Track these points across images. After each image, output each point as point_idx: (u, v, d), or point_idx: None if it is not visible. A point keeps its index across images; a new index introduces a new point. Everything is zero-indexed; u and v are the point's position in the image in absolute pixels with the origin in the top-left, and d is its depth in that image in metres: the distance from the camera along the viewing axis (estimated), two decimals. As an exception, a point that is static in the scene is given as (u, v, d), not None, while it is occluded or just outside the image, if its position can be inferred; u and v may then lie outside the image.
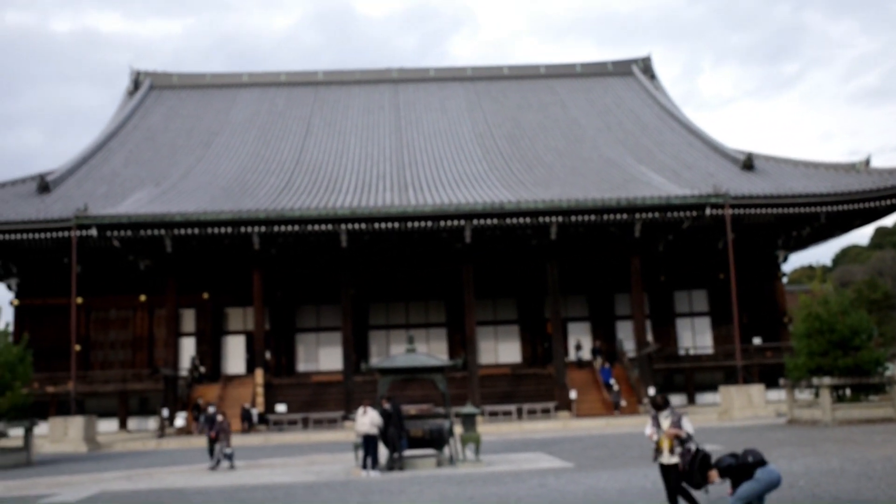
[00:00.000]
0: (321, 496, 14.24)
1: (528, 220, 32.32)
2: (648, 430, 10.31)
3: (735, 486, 8.68)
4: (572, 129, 46.60)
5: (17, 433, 25.87)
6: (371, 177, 38.46)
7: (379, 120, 47.90)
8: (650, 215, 32.64)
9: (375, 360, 29.23)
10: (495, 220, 32.27)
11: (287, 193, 35.89)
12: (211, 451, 20.19)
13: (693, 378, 40.07)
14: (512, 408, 33.96)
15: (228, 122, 48.40)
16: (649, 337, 37.57)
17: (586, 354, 39.13)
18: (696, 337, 42.12)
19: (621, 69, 55.29)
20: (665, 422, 10.08)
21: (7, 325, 26.55)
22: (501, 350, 41.03)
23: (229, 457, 19.63)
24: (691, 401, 39.61)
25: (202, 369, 33.98)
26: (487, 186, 36.02)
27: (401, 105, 50.25)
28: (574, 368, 37.36)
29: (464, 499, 13.10)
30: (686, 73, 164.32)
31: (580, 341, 39.87)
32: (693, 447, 9.87)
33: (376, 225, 32.14)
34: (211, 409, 22.00)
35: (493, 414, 33.43)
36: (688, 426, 9.90)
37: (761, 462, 8.71)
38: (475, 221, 32.24)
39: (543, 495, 13.04)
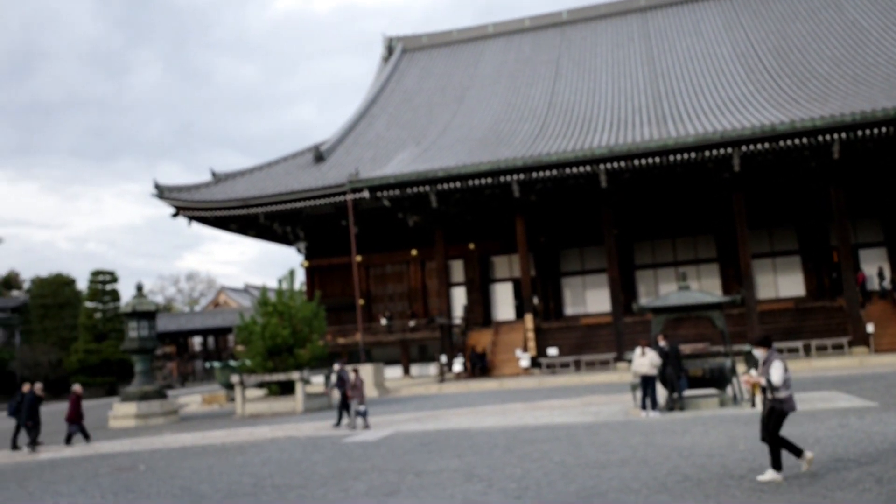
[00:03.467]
0: (602, 436, 14.11)
1: (804, 140, 29.46)
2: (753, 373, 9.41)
3: None
4: (850, 32, 41.52)
5: (317, 380, 28.69)
6: (626, 112, 37.17)
7: (629, 53, 46.04)
8: (957, 121, 28.31)
9: (645, 300, 28.44)
10: (766, 145, 29.79)
11: (542, 138, 35.79)
12: (344, 409, 19.65)
13: None
14: (798, 344, 31.57)
15: (478, 74, 49.17)
16: (961, 260, 32.93)
17: (889, 283, 35.15)
18: None
19: (908, -45, 48.18)
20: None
21: (301, 284, 29.28)
22: (781, 283, 38.15)
23: (362, 414, 18.73)
24: None
25: (411, 321, 34.32)
26: (754, 109, 33.30)
27: (652, 34, 47.86)
28: (875, 299, 33.93)
29: (753, 439, 12.29)
30: None
31: (882, 268, 35.82)
32: (784, 395, 8.98)
33: (636, 161, 31.04)
34: (337, 367, 21.34)
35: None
36: (775, 374, 9.06)
37: None
38: (743, 148, 29.99)
39: (846, 436, 11.87)
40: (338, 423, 19.32)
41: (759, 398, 9.45)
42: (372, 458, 13.63)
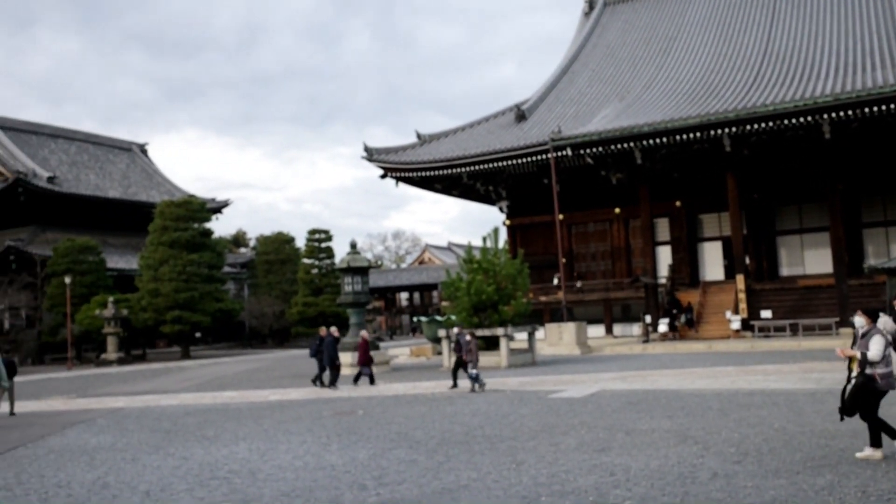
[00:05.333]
0: (828, 404, 13.20)
1: None
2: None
3: None
4: None
5: (521, 337, 29.02)
6: (854, 56, 33.90)
7: (858, -11, 41.82)
8: None
9: (875, 261, 26.12)
10: None
11: (756, 89, 33.53)
12: (460, 370, 19.59)
13: None
14: None
15: (685, 24, 46.77)
16: None
17: None
18: None
19: None
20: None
21: (504, 242, 29.62)
22: None
23: (474, 378, 18.50)
24: None
25: (578, 282, 33.12)
26: None
27: (886, -33, 43.16)
28: None
29: None
30: None
31: None
32: (881, 371, 8.60)
33: (866, 109, 28.31)
34: (455, 330, 21.26)
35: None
36: (874, 348, 8.67)
37: None
38: None
39: None
40: (454, 385, 19.23)
41: (855, 373, 8.91)
42: (579, 414, 13.65)
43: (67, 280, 47.72)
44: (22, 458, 12.35)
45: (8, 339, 48.27)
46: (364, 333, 22.97)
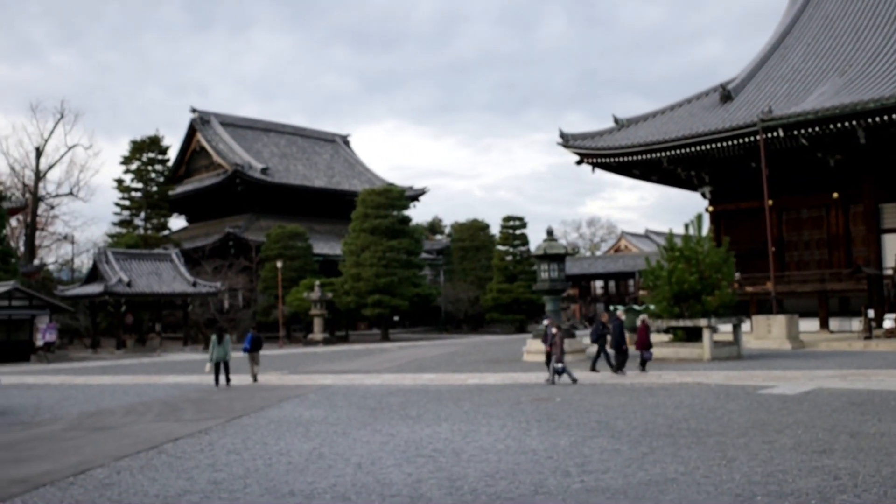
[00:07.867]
0: None
1: None
2: None
3: None
4: None
5: (724, 328, 27.62)
6: None
7: None
8: None
9: None
10: None
11: None
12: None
13: None
14: None
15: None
16: None
17: None
18: None
19: None
20: None
21: (708, 230, 28.26)
22: None
23: (558, 372, 18.38)
24: None
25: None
26: None
27: None
28: None
29: None
30: None
31: None
32: None
33: None
34: (545, 322, 21.17)
35: None
36: None
37: None
38: None
39: None
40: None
41: None
42: (794, 412, 12.75)
43: (279, 264, 51.30)
44: (247, 426, 13.39)
45: (227, 319, 52.65)
46: (644, 317, 22.46)
